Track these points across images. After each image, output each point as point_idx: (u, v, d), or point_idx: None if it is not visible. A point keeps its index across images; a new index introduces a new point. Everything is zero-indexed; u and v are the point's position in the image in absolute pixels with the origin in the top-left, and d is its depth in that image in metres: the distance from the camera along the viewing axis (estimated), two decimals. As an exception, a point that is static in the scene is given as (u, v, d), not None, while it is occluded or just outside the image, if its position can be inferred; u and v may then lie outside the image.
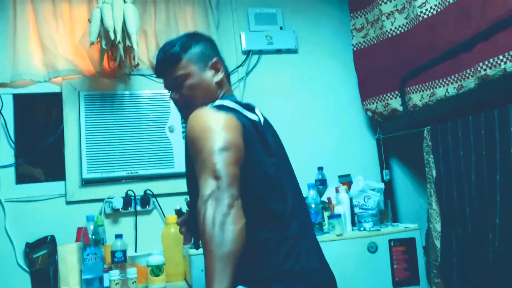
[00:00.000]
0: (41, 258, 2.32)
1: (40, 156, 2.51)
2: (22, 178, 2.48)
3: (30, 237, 2.35)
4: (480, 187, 2.02)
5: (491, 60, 1.91)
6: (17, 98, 2.50)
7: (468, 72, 2.06)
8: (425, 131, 2.38)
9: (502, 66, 1.87)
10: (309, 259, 1.25)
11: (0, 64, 2.41)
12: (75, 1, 2.55)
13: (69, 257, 2.17)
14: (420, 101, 2.40)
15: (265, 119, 1.40)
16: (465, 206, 2.12)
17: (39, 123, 2.62)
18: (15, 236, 2.35)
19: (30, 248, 2.33)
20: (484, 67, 1.94)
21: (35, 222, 2.39)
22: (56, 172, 2.52)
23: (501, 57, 1.87)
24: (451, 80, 2.17)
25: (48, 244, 2.34)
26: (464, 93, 2.12)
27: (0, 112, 2.43)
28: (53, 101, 2.57)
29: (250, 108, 1.35)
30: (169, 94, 1.40)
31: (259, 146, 1.26)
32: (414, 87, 2.44)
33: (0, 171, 2.40)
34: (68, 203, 2.45)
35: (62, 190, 2.46)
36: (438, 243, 2.28)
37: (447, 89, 2.20)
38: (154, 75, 2.62)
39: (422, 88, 2.38)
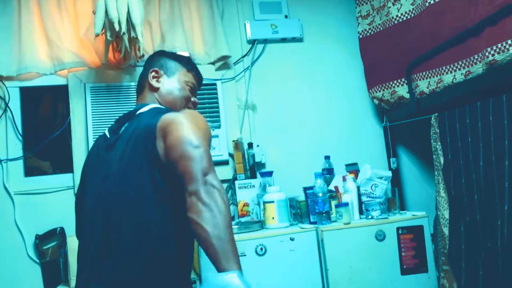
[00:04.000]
0: (51, 250, 2.35)
1: (47, 148, 2.52)
2: (30, 170, 2.50)
3: (40, 229, 2.38)
4: (489, 174, 2.01)
5: (499, 45, 1.88)
6: (23, 91, 2.51)
7: (476, 57, 2.03)
8: (432, 118, 2.37)
9: (511, 51, 1.84)
10: None
11: (6, 58, 2.42)
12: (79, -7, 2.55)
13: (78, 248, 2.18)
14: (427, 88, 2.38)
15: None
16: (473, 193, 2.11)
17: (46, 116, 2.64)
18: (24, 228, 2.38)
19: (40, 240, 2.35)
20: (492, 52, 1.91)
21: (44, 214, 2.41)
22: (64, 164, 2.54)
23: (509, 41, 1.85)
24: (459, 66, 2.15)
25: (57, 235, 2.37)
26: (472, 79, 2.09)
27: (7, 105, 2.44)
28: (60, 93, 2.58)
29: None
30: (196, 100, 1.57)
31: None
32: (421, 74, 2.42)
33: (8, 164, 2.42)
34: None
35: (70, 182, 2.48)
36: (446, 231, 2.27)
37: (454, 76, 2.18)
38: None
39: (429, 75, 2.35)
